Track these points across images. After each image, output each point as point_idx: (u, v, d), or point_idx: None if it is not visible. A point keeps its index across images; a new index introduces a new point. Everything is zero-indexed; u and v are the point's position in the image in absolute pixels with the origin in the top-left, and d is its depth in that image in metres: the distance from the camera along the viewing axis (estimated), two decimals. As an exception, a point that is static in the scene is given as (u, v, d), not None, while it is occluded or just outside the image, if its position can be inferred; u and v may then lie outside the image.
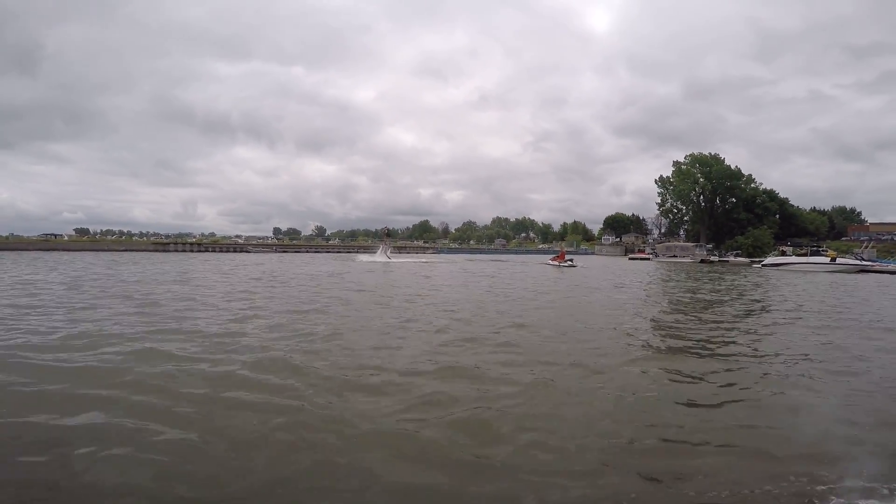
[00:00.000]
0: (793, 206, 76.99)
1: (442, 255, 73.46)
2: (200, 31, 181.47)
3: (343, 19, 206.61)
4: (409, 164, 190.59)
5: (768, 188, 74.56)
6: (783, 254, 46.49)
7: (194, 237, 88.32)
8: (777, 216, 72.91)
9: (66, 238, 72.31)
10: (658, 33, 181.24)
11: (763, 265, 41.85)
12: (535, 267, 34.88)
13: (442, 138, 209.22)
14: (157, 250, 58.94)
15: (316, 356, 6.29)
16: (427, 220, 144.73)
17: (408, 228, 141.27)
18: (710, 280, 24.57)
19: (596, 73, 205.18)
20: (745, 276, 28.50)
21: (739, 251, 60.73)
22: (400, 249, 70.32)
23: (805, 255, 40.89)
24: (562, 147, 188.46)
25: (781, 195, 75.48)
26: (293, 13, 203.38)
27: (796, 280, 26.18)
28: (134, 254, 51.55)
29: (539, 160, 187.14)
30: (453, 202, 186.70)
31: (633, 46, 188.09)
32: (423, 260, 46.70)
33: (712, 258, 57.66)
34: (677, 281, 24.10)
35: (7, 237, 67.45)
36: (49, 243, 61.46)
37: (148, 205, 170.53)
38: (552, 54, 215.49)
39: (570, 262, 34.69)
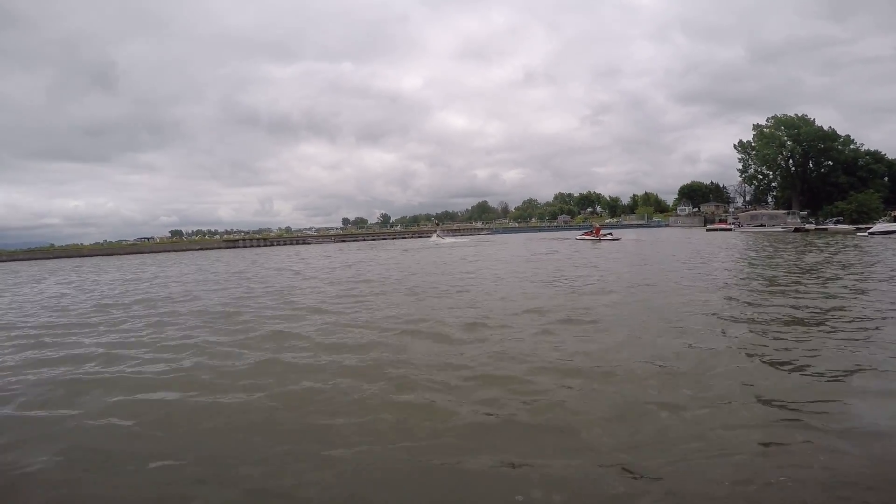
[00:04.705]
0: (905, 167, 66.21)
1: (497, 234, 72.02)
2: (250, 37, 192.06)
3: (379, 12, 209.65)
4: (462, 147, 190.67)
5: (871, 149, 65.03)
6: (896, 219, 40.07)
7: (272, 231, 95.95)
8: (886, 178, 63.24)
9: (157, 240, 78.65)
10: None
11: (870, 233, 35.99)
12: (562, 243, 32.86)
13: (493, 118, 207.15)
14: (227, 247, 62.50)
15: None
16: (486, 201, 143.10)
17: (466, 210, 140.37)
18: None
19: (650, 41, 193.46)
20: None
21: (841, 218, 53.08)
22: (454, 232, 70.53)
23: (925, 219, 34.66)
24: (623, 118, 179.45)
25: (889, 157, 65.23)
26: (330, 10, 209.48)
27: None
28: (206, 251, 54.84)
29: (599, 133, 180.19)
30: (511, 181, 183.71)
31: (686, 12, 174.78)
32: (465, 240, 48.12)
33: (807, 226, 50.80)
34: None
35: (102, 244, 74.51)
36: (138, 247, 67.21)
37: (231, 204, 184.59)
38: (596, 25, 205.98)
39: (609, 236, 33.93)
